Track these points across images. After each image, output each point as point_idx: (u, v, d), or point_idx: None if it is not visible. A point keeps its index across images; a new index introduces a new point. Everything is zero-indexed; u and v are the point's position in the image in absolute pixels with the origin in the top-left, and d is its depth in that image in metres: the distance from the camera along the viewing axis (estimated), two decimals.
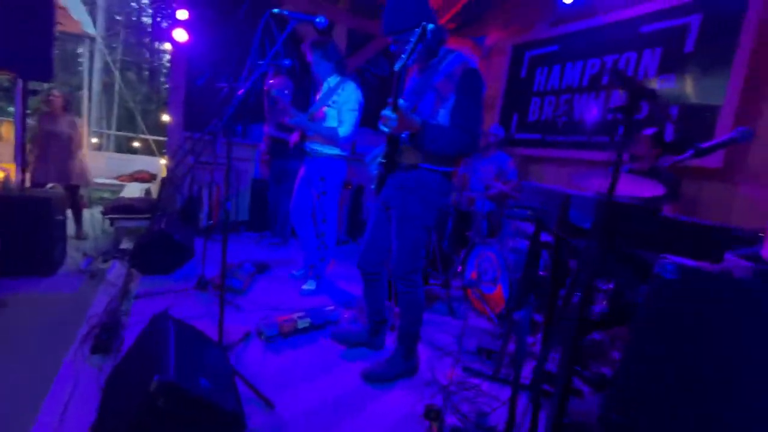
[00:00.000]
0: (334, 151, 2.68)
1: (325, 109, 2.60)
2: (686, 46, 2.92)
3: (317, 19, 1.66)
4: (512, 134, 4.35)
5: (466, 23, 5.20)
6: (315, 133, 2.63)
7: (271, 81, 3.80)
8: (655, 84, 3.11)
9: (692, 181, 2.90)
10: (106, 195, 5.68)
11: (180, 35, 3.77)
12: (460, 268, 3.05)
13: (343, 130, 2.57)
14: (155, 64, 16.65)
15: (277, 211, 4.12)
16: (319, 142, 2.66)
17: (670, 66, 3.01)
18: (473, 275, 2.88)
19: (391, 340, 2.21)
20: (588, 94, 3.63)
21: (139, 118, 8.02)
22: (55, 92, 3.68)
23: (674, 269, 0.67)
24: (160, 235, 2.66)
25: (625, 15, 3.36)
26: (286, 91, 3.35)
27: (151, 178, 6.22)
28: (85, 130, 3.91)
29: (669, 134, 2.97)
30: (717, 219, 2.79)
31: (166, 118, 4.16)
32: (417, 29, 1.38)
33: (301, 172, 2.88)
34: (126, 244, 3.55)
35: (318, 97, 2.69)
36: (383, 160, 1.72)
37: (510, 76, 4.49)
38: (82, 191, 4.08)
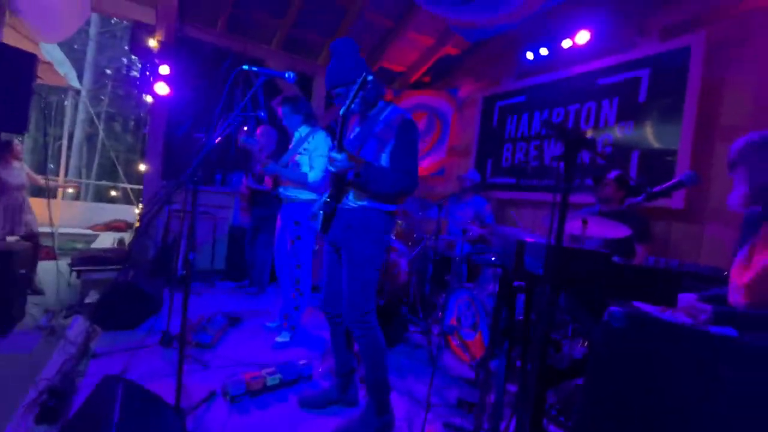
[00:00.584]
0: (308, 195, 2.70)
1: (297, 157, 2.71)
2: (640, 96, 3.14)
3: (287, 75, 1.73)
4: (487, 179, 4.48)
5: (440, 77, 5.54)
6: (286, 178, 2.72)
7: (244, 129, 3.90)
8: (615, 131, 3.30)
9: (661, 221, 2.99)
10: (79, 246, 5.49)
11: (161, 88, 3.88)
12: (440, 314, 2.98)
13: (313, 175, 2.65)
14: (142, 115, 16.96)
15: (254, 259, 4.04)
16: (291, 187, 2.73)
17: (627, 114, 3.22)
18: (453, 321, 2.81)
19: (363, 394, 2.09)
20: (556, 140, 3.81)
21: (119, 168, 8.01)
22: (17, 140, 3.65)
23: (622, 317, 0.66)
24: (125, 286, 2.54)
25: (583, 69, 3.63)
26: (257, 140, 3.45)
27: (126, 227, 6.09)
28: (60, 179, 3.85)
29: (633, 176, 3.11)
30: (687, 258, 2.86)
31: (143, 168, 4.14)
32: (357, 81, 1.54)
33: (279, 222, 2.91)
34: (91, 298, 3.38)
35: (290, 147, 2.81)
36: (328, 200, 1.75)
37: (483, 124, 4.71)
38: (47, 241, 3.93)
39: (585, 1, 3.49)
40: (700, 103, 2.79)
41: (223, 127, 1.83)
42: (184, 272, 3.85)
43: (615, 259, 0.81)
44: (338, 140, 1.56)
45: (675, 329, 0.65)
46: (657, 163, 2.98)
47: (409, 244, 3.78)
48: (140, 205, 4.27)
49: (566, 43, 3.59)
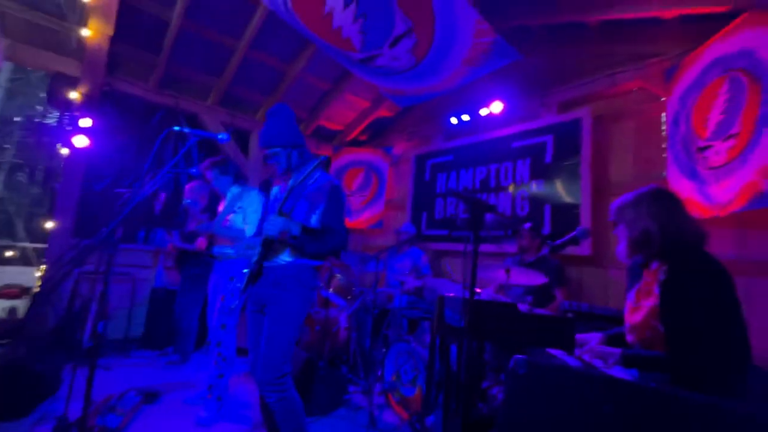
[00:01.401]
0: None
1: (231, 216, 2.69)
2: (546, 158, 3.62)
3: (219, 136, 1.75)
4: (423, 231, 4.68)
5: (375, 135, 5.89)
6: (223, 236, 2.66)
7: (188, 186, 3.75)
8: (530, 187, 3.71)
9: (574, 267, 3.33)
10: None
11: (80, 141, 3.63)
12: (380, 371, 2.91)
13: (249, 230, 2.64)
14: (53, 166, 15.42)
15: (181, 323, 3.69)
16: (227, 245, 2.67)
17: (538, 173, 3.66)
18: (393, 377, 2.76)
19: None
20: (481, 195, 4.16)
21: (19, 224, 7.04)
22: None
23: (524, 364, 0.73)
24: (11, 367, 2.16)
25: (500, 133, 4.11)
26: (200, 199, 3.35)
27: (21, 293, 5.25)
28: None
29: (547, 227, 3.47)
30: (598, 299, 3.17)
31: (50, 224, 3.71)
32: (313, 161, 1.73)
33: (211, 280, 2.78)
34: None
35: (221, 208, 2.79)
36: (257, 259, 1.76)
37: (416, 180, 5.01)
38: None
39: (497, 78, 4.04)
40: (593, 165, 3.28)
41: (152, 183, 1.78)
42: (92, 344, 3.41)
43: (520, 307, 0.90)
44: (280, 206, 1.66)
45: (568, 373, 0.73)
46: (565, 216, 3.38)
47: (348, 298, 3.73)
48: (42, 267, 3.76)
49: (484, 111, 4.09)
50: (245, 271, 1.81)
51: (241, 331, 2.79)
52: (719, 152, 2.37)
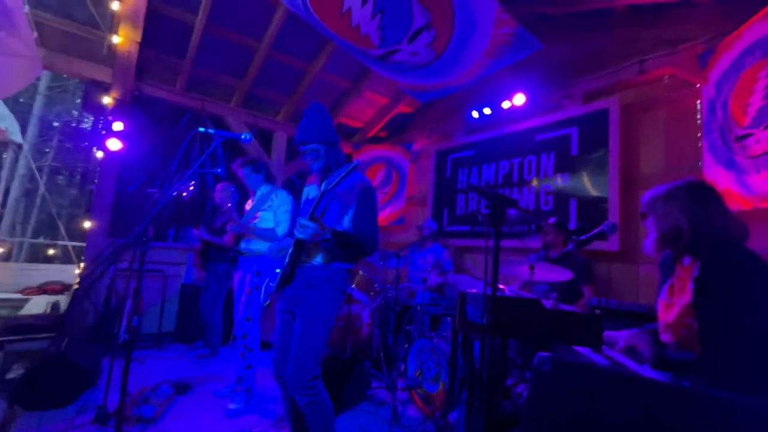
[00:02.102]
0: None
1: (260, 213, 2.80)
2: (572, 150, 3.51)
3: (243, 136, 1.79)
4: (444, 227, 4.65)
5: (395, 132, 5.88)
6: (255, 234, 2.76)
7: (217, 187, 3.89)
8: (555, 181, 3.62)
9: (602, 263, 3.22)
10: (4, 312, 4.90)
11: (113, 144, 3.80)
12: (403, 367, 2.92)
13: (281, 229, 2.76)
14: (90, 168, 16.20)
15: (206, 318, 3.82)
16: (254, 241, 2.78)
17: (563, 166, 3.56)
18: (416, 373, 2.76)
19: None
20: (503, 190, 4.09)
21: (60, 224, 7.46)
22: None
23: (549, 362, 0.71)
24: (54, 358, 2.29)
25: (523, 126, 4.02)
26: (229, 199, 3.49)
27: (63, 289, 5.56)
28: None
29: (573, 222, 3.37)
30: (627, 296, 3.06)
31: (88, 224, 3.91)
32: (345, 165, 1.69)
33: (237, 276, 2.90)
34: (14, 373, 2.99)
35: (251, 205, 2.90)
36: (289, 260, 1.77)
37: (437, 176, 4.97)
38: None
39: (519, 70, 3.94)
40: (621, 157, 3.16)
41: (179, 183, 1.84)
42: (127, 338, 3.57)
43: (545, 303, 0.88)
44: (312, 210, 1.65)
45: (593, 372, 0.71)
46: (592, 210, 3.27)
47: (371, 294, 3.76)
48: (81, 265, 3.97)
49: (506, 104, 3.99)
50: (278, 270, 1.82)
51: (266, 325, 2.88)
52: (760, 140, 2.23)
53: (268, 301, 1.83)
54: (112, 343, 3.28)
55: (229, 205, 2.76)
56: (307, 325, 1.72)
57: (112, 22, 3.91)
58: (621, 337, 1.44)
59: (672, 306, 1.31)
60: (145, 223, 1.79)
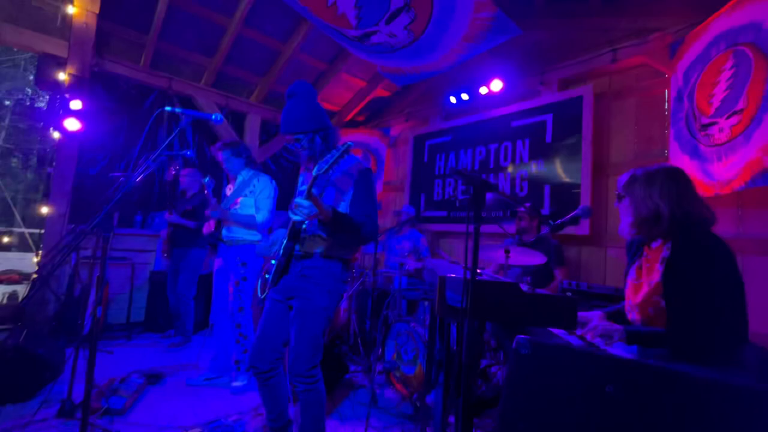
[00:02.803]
0: (254, 236, 2.73)
1: (241, 199, 2.72)
2: (547, 137, 3.57)
3: (213, 117, 1.70)
4: (421, 212, 4.67)
5: (373, 116, 5.80)
6: (234, 221, 2.69)
7: (183, 172, 3.72)
8: (530, 167, 3.68)
9: (573, 246, 3.33)
10: None
11: (72, 124, 3.55)
12: (380, 351, 2.95)
13: (261, 216, 2.70)
14: (47, 150, 15.21)
15: (177, 305, 3.71)
16: (237, 228, 2.72)
17: (538, 153, 3.62)
18: (393, 356, 2.79)
19: None
20: (480, 175, 4.13)
21: (15, 210, 6.99)
22: None
23: (527, 344, 0.73)
24: (12, 351, 2.17)
25: (499, 112, 4.04)
26: (199, 185, 3.36)
27: (21, 279, 5.27)
28: None
29: (546, 207, 3.46)
30: (596, 278, 3.19)
31: (46, 210, 3.68)
32: (339, 148, 1.53)
33: (218, 263, 2.84)
34: None
35: (231, 190, 2.82)
36: (284, 250, 1.69)
37: (414, 161, 4.96)
38: None
39: (496, 56, 3.94)
40: (594, 144, 3.24)
41: (145, 166, 1.75)
42: (92, 328, 3.43)
43: (522, 287, 0.89)
44: (308, 188, 1.50)
45: (570, 353, 0.73)
46: (565, 196, 3.36)
47: (348, 279, 3.75)
48: (40, 253, 3.74)
49: (483, 90, 4.00)
50: (273, 262, 1.73)
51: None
52: (723, 129, 2.33)
53: (262, 295, 1.76)
54: (76, 334, 3.13)
55: (207, 192, 2.63)
56: (304, 318, 1.66)
57: None
58: (593, 317, 1.50)
59: (641, 286, 1.37)
60: (108, 208, 1.68)
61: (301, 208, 1.52)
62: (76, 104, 3.55)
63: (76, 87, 3.67)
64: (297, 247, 1.71)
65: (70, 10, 3.59)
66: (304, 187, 1.70)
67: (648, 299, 1.27)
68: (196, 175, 3.70)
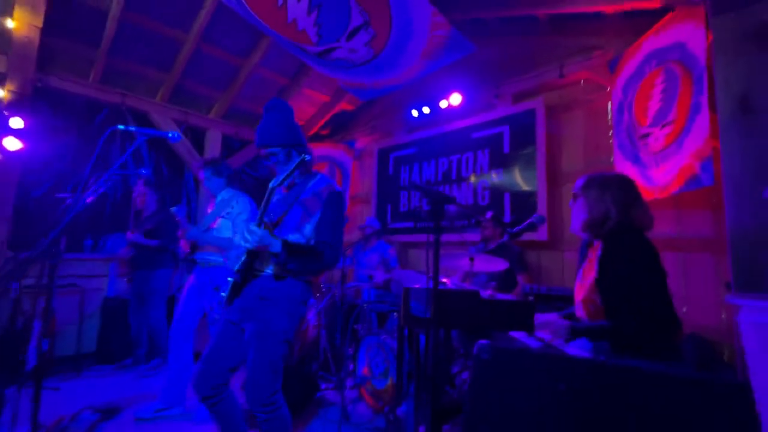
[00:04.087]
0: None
1: (220, 220, 2.64)
2: (504, 148, 3.74)
3: (170, 134, 1.65)
4: (388, 224, 4.71)
5: (338, 130, 5.83)
6: (211, 244, 2.60)
7: (139, 191, 3.56)
8: (490, 176, 3.83)
9: (533, 252, 3.48)
10: None
11: (11, 143, 3.32)
12: (352, 366, 2.92)
13: (238, 239, 2.59)
14: None
15: (141, 332, 3.51)
16: (211, 252, 2.64)
17: (497, 163, 3.78)
18: (365, 370, 2.77)
19: None
20: (443, 186, 4.24)
21: None
22: None
23: (488, 349, 0.76)
24: None
25: (460, 125, 4.19)
26: (149, 204, 3.22)
27: None
28: None
29: (507, 215, 3.60)
30: (556, 281, 3.33)
31: None
32: (295, 158, 1.52)
33: (190, 281, 2.70)
34: None
35: (210, 210, 2.74)
36: (241, 268, 1.62)
37: (380, 173, 5.02)
38: None
39: (455, 71, 4.11)
40: (548, 154, 3.43)
41: (96, 186, 1.66)
42: (36, 364, 3.16)
43: (482, 294, 0.93)
44: (261, 213, 1.43)
45: (527, 355, 0.77)
46: (524, 204, 3.51)
47: (317, 295, 3.69)
48: None
49: (443, 103, 4.14)
50: (229, 279, 1.64)
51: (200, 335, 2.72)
52: (658, 138, 2.55)
53: (218, 316, 1.68)
54: (18, 371, 2.86)
55: (178, 219, 2.51)
56: (261, 342, 1.56)
57: (5, 3, 3.40)
58: (551, 318, 1.58)
59: (583, 285, 1.46)
60: (56, 232, 1.58)
61: (253, 235, 1.47)
62: (16, 122, 3.32)
63: (17, 104, 3.45)
64: (255, 264, 1.64)
65: (10, 24, 3.38)
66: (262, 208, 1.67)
67: (588, 296, 1.37)
68: (154, 195, 3.56)
